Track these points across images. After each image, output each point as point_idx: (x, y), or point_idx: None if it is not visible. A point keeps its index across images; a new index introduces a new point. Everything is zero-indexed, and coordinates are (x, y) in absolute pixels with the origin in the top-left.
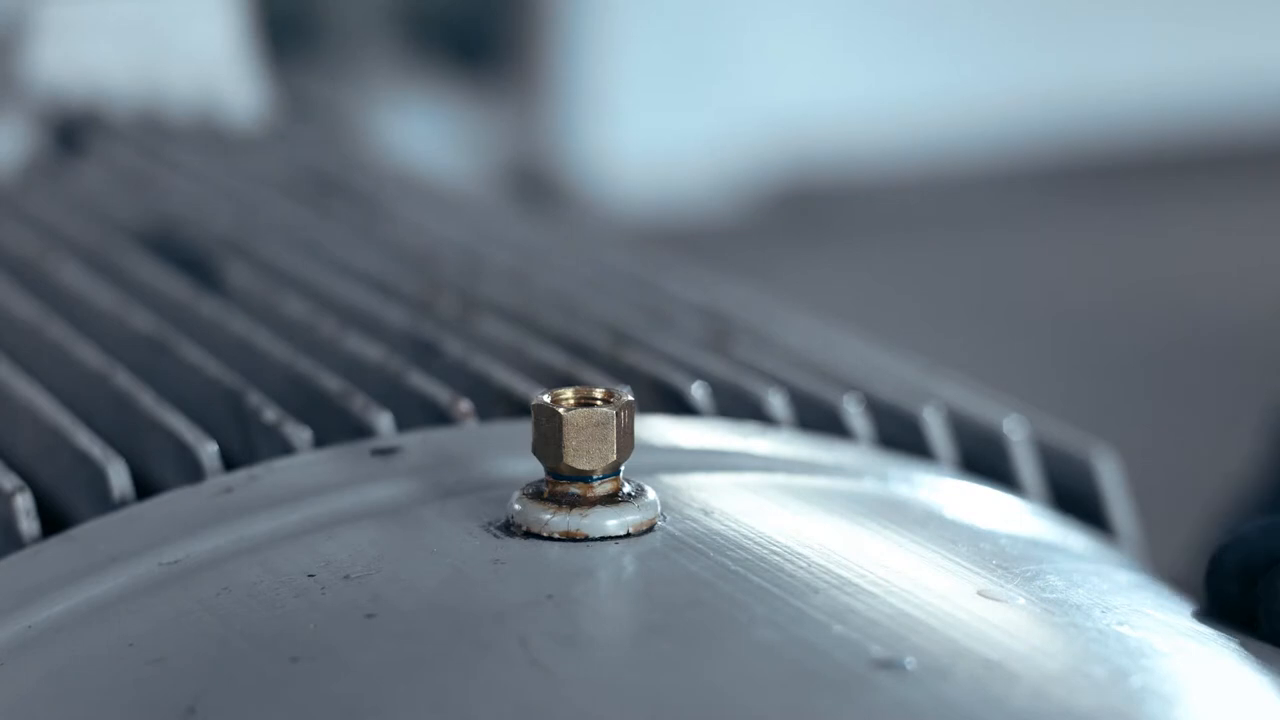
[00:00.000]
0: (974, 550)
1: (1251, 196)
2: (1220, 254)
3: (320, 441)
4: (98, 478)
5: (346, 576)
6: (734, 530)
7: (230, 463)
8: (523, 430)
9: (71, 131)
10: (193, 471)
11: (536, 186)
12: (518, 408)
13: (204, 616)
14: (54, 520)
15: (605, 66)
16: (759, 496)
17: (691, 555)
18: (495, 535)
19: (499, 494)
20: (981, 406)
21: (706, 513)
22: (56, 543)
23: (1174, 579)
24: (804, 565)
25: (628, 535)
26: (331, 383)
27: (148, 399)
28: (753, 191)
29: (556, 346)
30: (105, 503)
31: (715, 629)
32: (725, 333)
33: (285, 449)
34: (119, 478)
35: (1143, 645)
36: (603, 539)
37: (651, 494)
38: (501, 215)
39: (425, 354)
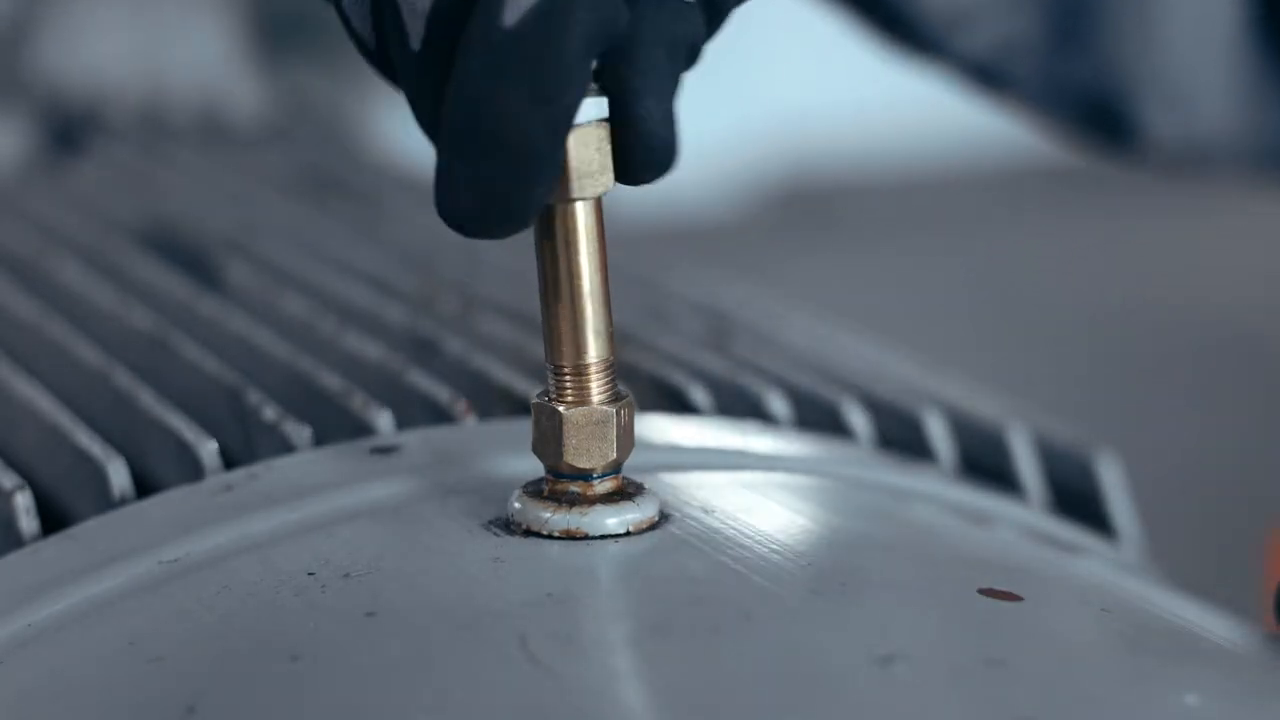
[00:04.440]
0: (974, 548)
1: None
2: (1223, 253)
3: (320, 440)
4: (98, 476)
5: (347, 575)
6: (734, 529)
7: (230, 461)
8: (522, 428)
9: (72, 130)
10: (193, 470)
11: None
12: (518, 406)
13: (204, 615)
14: (54, 518)
15: None
16: (759, 495)
17: (691, 554)
18: (495, 534)
19: (499, 492)
20: (982, 406)
21: (707, 511)
22: (57, 541)
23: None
24: (804, 564)
25: (628, 534)
26: (331, 381)
27: (147, 397)
28: (754, 190)
29: None
30: (105, 501)
31: (715, 627)
32: (725, 331)
33: (285, 447)
34: (119, 476)
35: (1143, 644)
36: (603, 537)
37: (652, 492)
38: None
39: (425, 352)
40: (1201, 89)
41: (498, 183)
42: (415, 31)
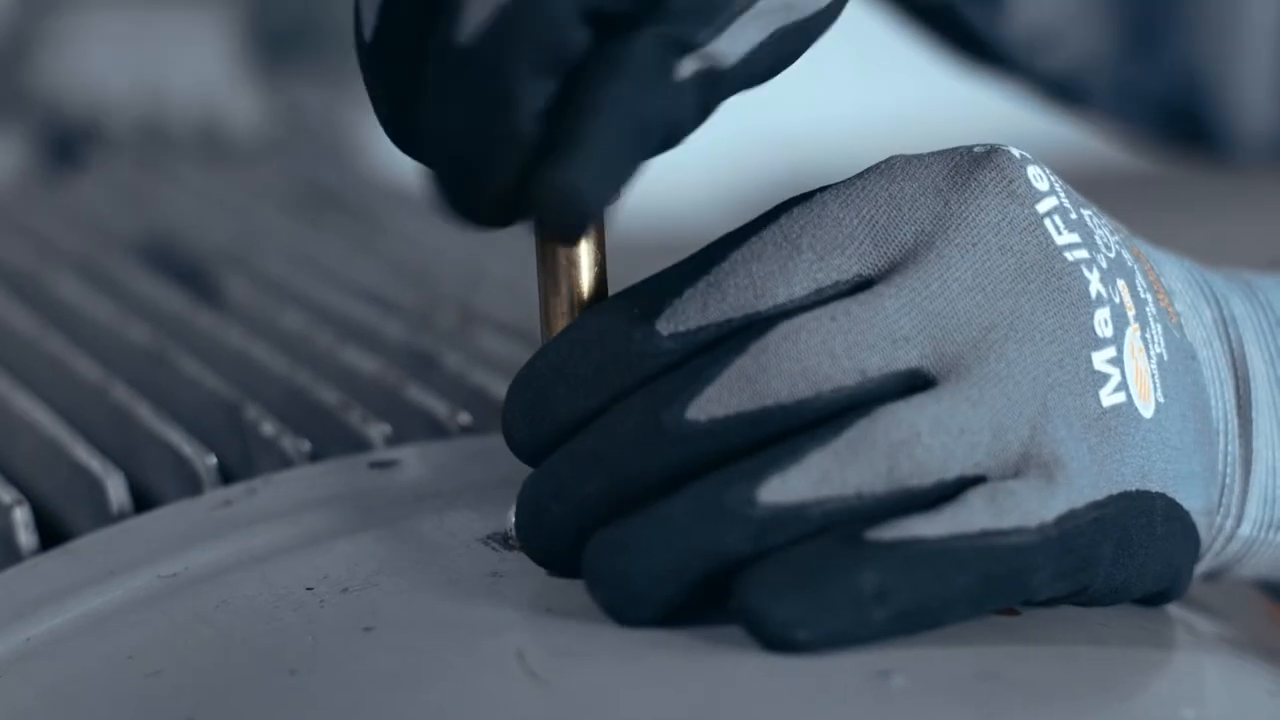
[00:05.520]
0: None
1: (1254, 205)
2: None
3: (318, 454)
4: (96, 490)
5: (345, 589)
6: None
7: (229, 475)
8: None
9: (71, 144)
10: (191, 484)
11: None
12: None
13: (202, 629)
14: (53, 533)
15: None
16: None
17: None
18: (493, 548)
19: (497, 508)
20: None
21: None
22: (55, 555)
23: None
24: None
25: None
26: (330, 395)
27: (146, 412)
28: (751, 204)
29: None
30: (104, 515)
31: (714, 641)
32: None
33: (284, 461)
34: (117, 490)
35: (1141, 659)
36: None
37: None
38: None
39: (423, 367)
40: (1258, 87)
41: (455, 186)
42: (369, 23)
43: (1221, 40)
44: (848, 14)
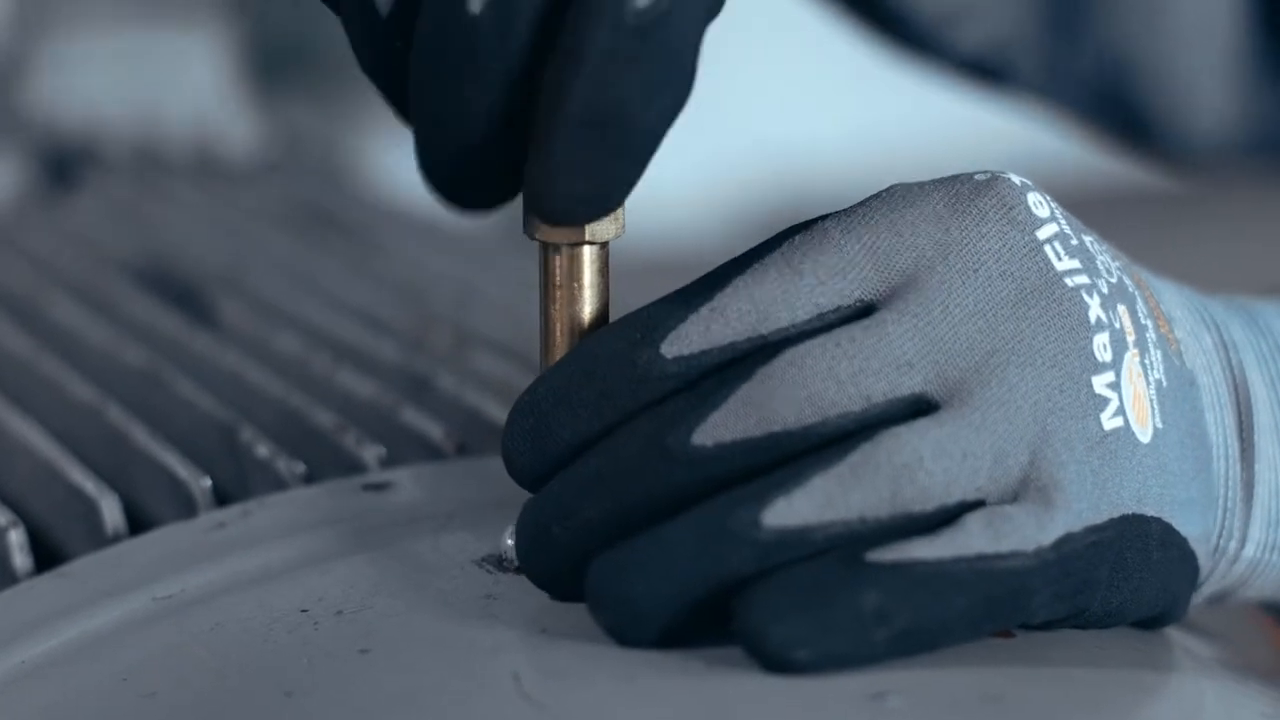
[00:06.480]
0: None
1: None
2: (1224, 281)
3: (313, 476)
4: (91, 512)
5: (340, 612)
6: None
7: (223, 497)
8: None
9: (66, 165)
10: (186, 506)
11: None
12: None
13: (197, 651)
14: (47, 555)
15: None
16: None
17: None
18: (488, 570)
19: (491, 530)
20: None
21: None
22: (50, 578)
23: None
24: None
25: None
26: (324, 418)
27: (141, 434)
28: (747, 222)
29: None
30: (98, 537)
31: (711, 662)
32: None
33: (278, 484)
34: (112, 512)
35: (1138, 682)
36: None
37: None
38: (495, 248)
39: (418, 389)
40: (1203, 80)
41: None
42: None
43: (1152, 26)
44: (840, 38)
